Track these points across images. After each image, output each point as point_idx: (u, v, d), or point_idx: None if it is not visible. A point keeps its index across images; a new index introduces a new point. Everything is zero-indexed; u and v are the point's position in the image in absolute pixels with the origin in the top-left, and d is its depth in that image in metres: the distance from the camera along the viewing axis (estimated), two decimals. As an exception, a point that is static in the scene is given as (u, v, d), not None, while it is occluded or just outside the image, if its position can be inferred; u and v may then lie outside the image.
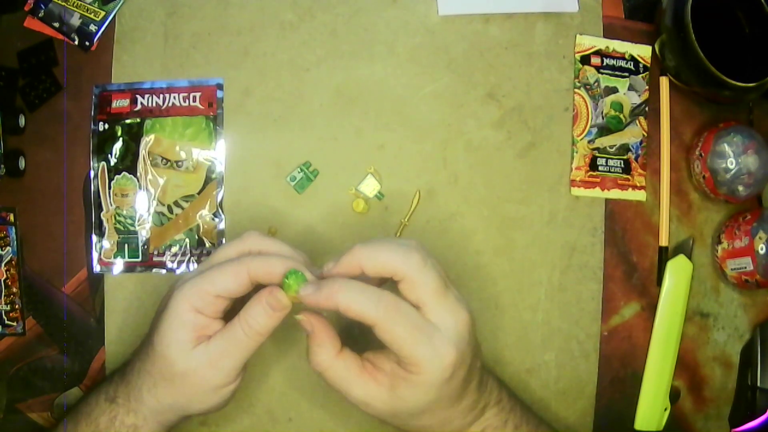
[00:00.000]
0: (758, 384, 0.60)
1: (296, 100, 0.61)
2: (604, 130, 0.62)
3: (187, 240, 0.60)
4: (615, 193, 0.62)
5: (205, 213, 0.60)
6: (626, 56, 0.63)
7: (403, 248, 0.44)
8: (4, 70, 0.61)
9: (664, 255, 0.62)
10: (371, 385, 0.45)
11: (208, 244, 0.60)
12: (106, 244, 0.60)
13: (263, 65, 0.61)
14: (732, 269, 0.61)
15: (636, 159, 0.62)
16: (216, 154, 0.61)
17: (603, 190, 0.62)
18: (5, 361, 0.60)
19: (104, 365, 0.60)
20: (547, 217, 0.61)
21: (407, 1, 0.62)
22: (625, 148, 0.62)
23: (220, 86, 0.61)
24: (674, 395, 0.62)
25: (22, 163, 0.61)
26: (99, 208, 0.60)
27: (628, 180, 0.62)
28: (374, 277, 0.45)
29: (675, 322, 0.61)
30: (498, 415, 0.49)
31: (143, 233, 0.60)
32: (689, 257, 0.62)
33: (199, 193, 0.60)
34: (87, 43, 0.61)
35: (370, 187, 0.61)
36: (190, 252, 0.60)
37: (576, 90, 0.62)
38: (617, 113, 0.62)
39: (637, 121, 0.63)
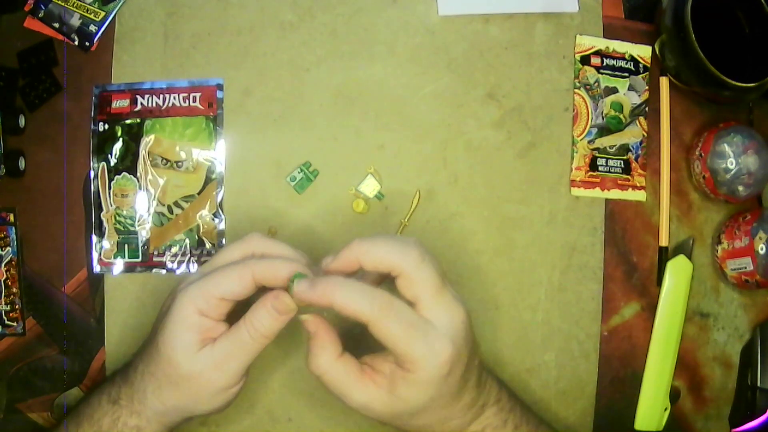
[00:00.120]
0: (758, 384, 0.60)
1: (296, 100, 0.61)
2: (604, 130, 0.62)
3: (187, 240, 0.60)
4: (615, 193, 0.62)
5: (205, 213, 0.60)
6: (626, 56, 0.63)
7: (402, 244, 0.44)
8: (4, 70, 0.61)
9: (664, 255, 0.62)
10: (371, 387, 0.45)
11: (208, 245, 0.60)
12: (106, 244, 0.60)
13: (263, 65, 0.61)
14: (732, 269, 0.61)
15: (636, 159, 0.62)
16: (216, 154, 0.61)
17: (603, 190, 0.62)
18: (5, 361, 0.60)
19: (104, 365, 0.60)
20: (547, 217, 0.61)
21: (407, 1, 0.62)
22: (625, 148, 0.62)
23: (220, 86, 0.61)
24: (674, 395, 0.62)
25: (22, 163, 0.61)
26: (99, 208, 0.60)
27: (628, 180, 0.62)
28: (372, 272, 0.45)
29: (675, 322, 0.61)
30: (497, 415, 0.49)
31: (143, 233, 0.60)
32: (689, 257, 0.62)
33: (199, 194, 0.60)
34: (87, 44, 0.61)
35: (370, 187, 0.61)
36: (190, 252, 0.60)
37: (576, 90, 0.62)
38: (617, 113, 0.62)
39: (637, 121, 0.63)
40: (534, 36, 0.62)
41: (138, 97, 0.61)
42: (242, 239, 0.48)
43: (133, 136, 0.61)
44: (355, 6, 0.62)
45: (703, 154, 0.60)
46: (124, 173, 0.60)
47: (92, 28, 0.61)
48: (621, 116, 0.62)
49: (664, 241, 0.62)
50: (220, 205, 0.60)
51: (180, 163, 0.61)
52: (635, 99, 0.63)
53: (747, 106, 0.64)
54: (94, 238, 0.60)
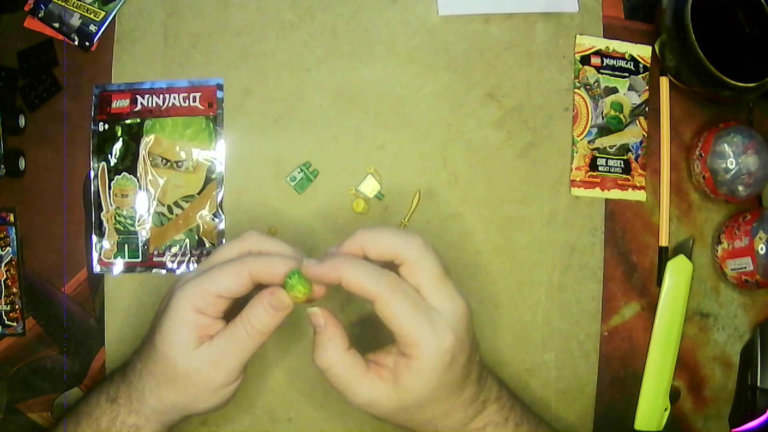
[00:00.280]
0: (758, 384, 0.60)
1: (296, 100, 0.61)
2: (604, 130, 0.62)
3: (187, 240, 0.60)
4: (615, 193, 0.62)
5: (205, 213, 0.60)
6: (626, 56, 0.63)
7: (405, 233, 0.45)
8: (4, 70, 0.61)
9: (664, 255, 0.62)
10: (377, 382, 0.45)
11: (208, 245, 0.60)
12: (106, 244, 0.60)
13: (263, 65, 0.61)
14: (732, 269, 0.61)
15: (636, 159, 0.62)
16: (216, 154, 0.61)
17: (603, 190, 0.62)
18: (5, 361, 0.60)
19: (104, 365, 0.60)
20: (547, 217, 0.61)
21: (407, 1, 0.62)
22: (625, 148, 0.62)
23: (220, 86, 0.61)
24: (674, 395, 0.62)
25: (22, 163, 0.61)
26: (99, 208, 0.60)
27: (628, 180, 0.62)
28: (377, 260, 0.45)
29: (675, 322, 0.61)
30: (499, 412, 0.49)
31: (143, 233, 0.60)
32: (689, 257, 0.62)
33: (199, 194, 0.60)
34: (87, 44, 0.61)
35: (370, 187, 0.61)
36: (190, 252, 0.60)
37: (576, 90, 0.62)
38: (617, 113, 0.62)
39: (637, 121, 0.63)
40: (534, 36, 0.62)
41: (138, 97, 0.61)
42: (239, 237, 0.49)
43: (133, 136, 0.61)
44: (355, 6, 0.62)
45: (703, 154, 0.60)
46: (124, 173, 0.60)
47: (92, 28, 0.61)
48: (621, 116, 0.62)
49: (664, 241, 0.62)
50: (220, 205, 0.60)
51: (180, 163, 0.61)
52: (635, 99, 0.63)
53: (747, 106, 0.64)
54: (94, 238, 0.60)
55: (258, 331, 0.45)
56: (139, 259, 0.60)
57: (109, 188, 0.60)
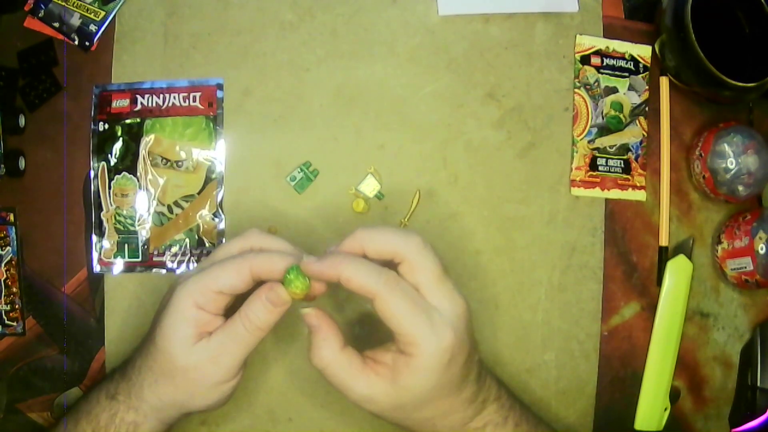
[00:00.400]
0: (758, 384, 0.60)
1: (296, 100, 0.61)
2: (604, 130, 0.62)
3: (187, 240, 0.60)
4: (615, 193, 0.62)
5: (205, 213, 0.60)
6: (626, 56, 0.63)
7: (404, 232, 0.45)
8: (4, 70, 0.61)
9: (664, 255, 0.62)
10: (374, 379, 0.45)
11: (208, 244, 0.60)
12: (106, 244, 0.60)
13: (263, 65, 0.61)
14: (732, 269, 0.61)
15: (636, 159, 0.62)
16: (216, 154, 0.61)
17: (603, 190, 0.62)
18: (5, 361, 0.60)
19: (104, 365, 0.60)
20: (547, 217, 0.61)
21: (407, 1, 0.62)
22: (625, 148, 0.62)
23: (220, 86, 0.61)
24: (674, 395, 0.62)
25: (22, 163, 0.61)
26: (99, 208, 0.60)
27: (628, 180, 0.62)
28: (376, 259, 0.45)
29: (675, 322, 0.61)
30: (498, 412, 0.49)
31: (143, 233, 0.60)
32: (689, 257, 0.62)
33: (199, 193, 0.60)
34: (87, 43, 0.61)
35: (370, 187, 0.61)
36: (190, 252, 0.60)
37: (576, 90, 0.62)
38: (617, 113, 0.62)
39: (637, 121, 0.63)
40: (534, 36, 0.62)
41: (138, 96, 0.61)
42: (241, 235, 0.49)
43: (133, 136, 0.61)
44: (355, 6, 0.62)
45: (703, 154, 0.60)
46: (124, 173, 0.60)
47: (92, 27, 0.61)
48: (621, 116, 0.62)
49: (664, 241, 0.62)
50: (220, 204, 0.60)
51: (180, 163, 0.61)
52: (635, 99, 0.63)
53: (747, 106, 0.64)
54: (94, 238, 0.60)
55: (256, 327, 0.45)
56: (139, 259, 0.60)
57: (109, 188, 0.60)
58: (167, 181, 0.60)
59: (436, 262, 0.45)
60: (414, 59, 0.62)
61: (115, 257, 0.60)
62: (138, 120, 0.61)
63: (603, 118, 0.62)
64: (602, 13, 0.63)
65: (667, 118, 0.63)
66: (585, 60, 0.62)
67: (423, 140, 0.61)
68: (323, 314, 0.46)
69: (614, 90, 0.63)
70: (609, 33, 0.63)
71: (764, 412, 0.58)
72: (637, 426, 0.61)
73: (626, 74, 0.63)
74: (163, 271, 0.60)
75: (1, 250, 0.60)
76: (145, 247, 0.60)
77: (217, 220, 0.60)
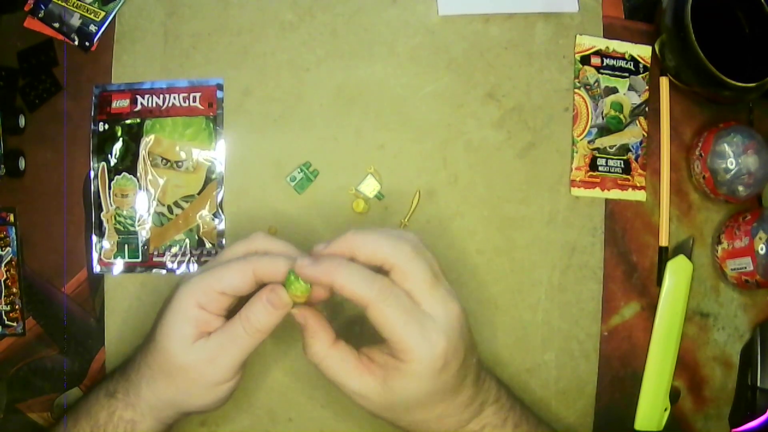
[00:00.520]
0: (758, 384, 0.60)
1: (296, 100, 0.61)
2: (604, 130, 0.62)
3: (187, 240, 0.60)
4: (615, 193, 0.62)
5: (205, 213, 0.60)
6: (626, 56, 0.63)
7: (394, 239, 0.44)
8: (4, 70, 0.61)
9: (664, 255, 0.62)
10: (366, 376, 0.45)
11: (208, 245, 0.60)
12: (106, 244, 0.60)
13: (263, 65, 0.61)
14: (732, 269, 0.61)
15: (636, 159, 0.62)
16: (216, 154, 0.61)
17: (603, 190, 0.62)
18: (5, 361, 0.60)
19: (104, 365, 0.60)
20: (547, 217, 0.61)
21: (407, 1, 0.62)
22: (625, 148, 0.62)
23: (220, 86, 0.61)
24: (674, 395, 0.62)
25: (22, 163, 0.61)
26: (99, 208, 0.60)
27: (628, 180, 0.62)
28: (365, 264, 0.45)
29: (675, 322, 0.61)
30: (497, 413, 0.49)
31: (143, 233, 0.60)
32: (689, 257, 0.62)
33: (199, 194, 0.60)
34: (87, 44, 0.61)
35: (370, 187, 0.61)
36: (190, 252, 0.60)
37: (576, 90, 0.62)
38: (617, 113, 0.62)
39: (637, 121, 0.63)
40: (534, 36, 0.62)
41: (138, 97, 0.61)
42: (247, 238, 0.49)
43: (133, 136, 0.61)
44: (355, 6, 0.62)
45: (703, 154, 0.60)
46: (124, 173, 0.60)
47: (92, 28, 0.61)
48: (621, 116, 0.62)
49: (664, 241, 0.62)
50: (220, 205, 0.60)
51: (180, 163, 0.61)
52: (635, 99, 0.63)
53: (747, 106, 0.64)
54: (94, 238, 0.60)
55: (255, 329, 0.45)
56: (139, 259, 0.60)
57: (109, 188, 0.60)
58: (167, 181, 0.60)
59: (427, 269, 0.44)
60: (414, 59, 0.62)
61: (115, 257, 0.60)
62: (138, 120, 0.61)
63: (603, 118, 0.62)
64: (602, 13, 0.63)
65: (667, 118, 0.63)
66: (585, 60, 0.62)
67: (423, 140, 0.61)
68: (311, 312, 0.46)
69: (614, 90, 0.63)
70: (609, 33, 0.63)
71: (764, 412, 0.59)
72: (637, 426, 0.61)
73: (626, 74, 0.63)
74: (163, 271, 0.60)
75: (1, 250, 0.60)
76: (145, 247, 0.60)
77: (217, 220, 0.60)
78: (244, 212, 0.60)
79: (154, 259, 0.60)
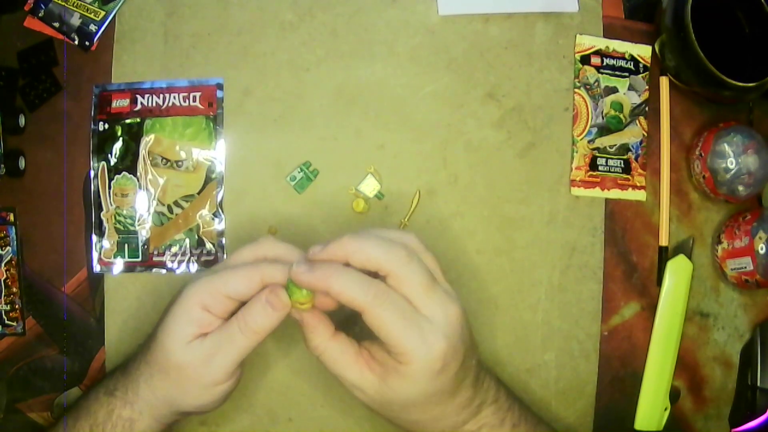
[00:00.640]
0: (758, 384, 0.60)
1: (296, 100, 0.61)
2: (604, 130, 0.62)
3: (187, 240, 0.60)
4: (615, 193, 0.62)
5: (205, 213, 0.60)
6: (626, 56, 0.63)
7: (389, 244, 0.44)
8: (4, 70, 0.61)
9: (664, 255, 0.62)
10: (365, 371, 0.45)
11: (208, 244, 0.60)
12: (106, 244, 0.60)
13: (263, 65, 0.61)
14: (732, 269, 0.61)
15: (636, 159, 0.62)
16: (216, 154, 0.61)
17: (603, 190, 0.62)
18: (5, 361, 0.60)
19: (104, 365, 0.60)
20: (547, 217, 0.61)
21: (407, 1, 0.62)
22: (625, 148, 0.62)
23: (220, 86, 0.61)
24: (674, 395, 0.62)
25: (22, 163, 0.61)
26: (99, 208, 0.60)
27: (628, 180, 0.62)
28: (360, 269, 0.45)
29: (675, 322, 0.61)
30: (495, 414, 0.49)
31: (143, 233, 0.60)
32: (689, 257, 0.62)
33: (199, 193, 0.60)
34: (87, 43, 0.61)
35: (370, 187, 0.61)
36: (190, 252, 0.60)
37: (576, 90, 0.62)
38: (617, 113, 0.62)
39: (637, 121, 0.63)
40: (534, 36, 0.62)
41: (138, 96, 0.61)
42: (255, 242, 0.49)
43: (133, 136, 0.61)
44: (355, 6, 0.62)
45: (703, 154, 0.60)
46: (124, 173, 0.60)
47: (92, 27, 0.61)
48: (621, 116, 0.62)
49: (664, 241, 0.62)
50: (220, 204, 0.60)
51: (180, 163, 0.61)
52: (635, 99, 0.63)
53: (747, 106, 0.64)
54: (94, 238, 0.60)
55: (252, 330, 0.45)
56: (139, 259, 0.60)
57: (109, 188, 0.60)
58: (167, 181, 0.60)
59: (423, 273, 0.44)
60: (414, 59, 0.62)
61: (115, 257, 0.60)
62: (138, 120, 0.61)
63: (603, 118, 0.62)
64: (602, 13, 0.63)
65: (667, 118, 0.63)
66: (585, 60, 0.62)
67: (423, 140, 0.61)
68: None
69: (614, 90, 0.63)
70: (609, 33, 0.63)
71: (764, 412, 0.58)
72: (637, 426, 0.61)
73: (626, 74, 0.63)
74: (163, 271, 0.60)
75: (1, 250, 0.60)
76: (145, 247, 0.60)
77: (217, 220, 0.60)
78: (244, 212, 0.60)
79: (154, 258, 0.60)
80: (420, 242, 0.47)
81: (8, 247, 0.60)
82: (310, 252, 0.45)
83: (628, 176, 0.62)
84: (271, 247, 0.48)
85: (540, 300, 0.61)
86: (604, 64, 0.63)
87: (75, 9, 0.61)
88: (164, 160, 0.60)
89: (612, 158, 0.62)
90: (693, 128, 0.64)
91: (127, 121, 0.61)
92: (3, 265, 0.60)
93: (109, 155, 0.61)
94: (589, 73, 0.62)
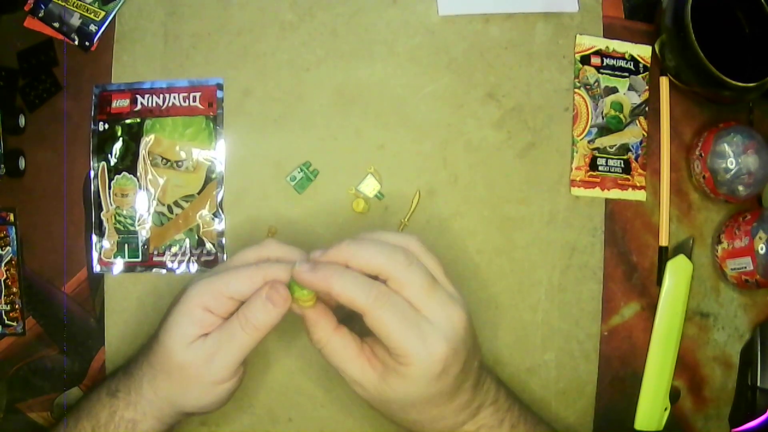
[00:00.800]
0: (758, 384, 0.60)
1: (296, 100, 0.61)
2: (604, 130, 0.62)
3: (187, 240, 0.60)
4: (615, 193, 0.62)
5: (205, 213, 0.60)
6: (626, 56, 0.63)
7: (388, 249, 0.44)
8: (4, 70, 0.61)
9: (664, 255, 0.62)
10: (366, 367, 0.45)
11: (208, 244, 0.60)
12: (106, 244, 0.60)
13: (263, 65, 0.61)
14: (732, 269, 0.61)
15: (636, 159, 0.62)
16: (216, 154, 0.61)
17: (603, 190, 0.62)
18: (5, 361, 0.60)
19: (104, 365, 0.60)
20: (547, 217, 0.61)
21: (407, 1, 0.62)
22: (625, 148, 0.62)
23: (220, 86, 0.61)
24: (674, 395, 0.62)
25: (22, 163, 0.61)
26: (99, 208, 0.60)
27: (628, 180, 0.62)
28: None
29: (675, 322, 0.61)
30: (494, 415, 0.49)
31: (143, 233, 0.60)
32: (689, 257, 0.62)
33: (199, 193, 0.60)
34: (87, 43, 0.61)
35: (370, 187, 0.61)
36: (190, 252, 0.60)
37: (576, 90, 0.62)
38: (617, 113, 0.62)
39: (637, 121, 0.63)
40: (534, 36, 0.62)
41: (138, 96, 0.61)
42: (258, 244, 0.49)
43: (133, 136, 0.61)
44: (355, 6, 0.62)
45: (703, 154, 0.60)
46: (124, 173, 0.60)
47: (92, 27, 0.61)
48: (621, 116, 0.62)
49: (664, 241, 0.62)
50: (220, 204, 0.60)
51: (180, 163, 0.61)
52: (635, 99, 0.63)
53: (747, 106, 0.64)
54: (94, 238, 0.60)
55: (253, 326, 0.45)
56: (139, 259, 0.60)
57: (109, 188, 0.60)
58: (167, 181, 0.60)
59: (424, 276, 0.44)
60: (414, 59, 0.62)
61: (115, 257, 0.60)
62: (138, 120, 0.61)
63: (603, 118, 0.62)
64: (602, 13, 0.63)
65: (667, 118, 0.63)
66: (585, 60, 0.62)
67: (423, 140, 0.61)
68: None
69: (614, 90, 0.63)
70: (609, 33, 0.63)
71: (764, 412, 0.58)
72: (637, 426, 0.61)
73: (626, 74, 0.63)
74: (163, 271, 0.60)
75: (1, 250, 0.60)
76: (145, 247, 0.60)
77: (217, 220, 0.60)
78: (244, 212, 0.60)
79: (154, 258, 0.60)
80: (422, 244, 0.47)
81: (8, 247, 0.60)
82: (311, 257, 0.46)
83: (628, 176, 0.62)
84: (274, 249, 0.48)
85: (540, 300, 0.61)
86: (604, 64, 0.63)
87: (75, 9, 0.61)
88: (164, 160, 0.60)
89: (612, 158, 0.62)
90: (693, 128, 0.64)
91: (127, 121, 0.61)
92: (3, 265, 0.60)
93: (109, 155, 0.61)
94: (589, 73, 0.62)
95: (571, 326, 0.61)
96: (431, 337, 0.43)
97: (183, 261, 0.60)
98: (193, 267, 0.60)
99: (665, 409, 0.61)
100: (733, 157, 0.58)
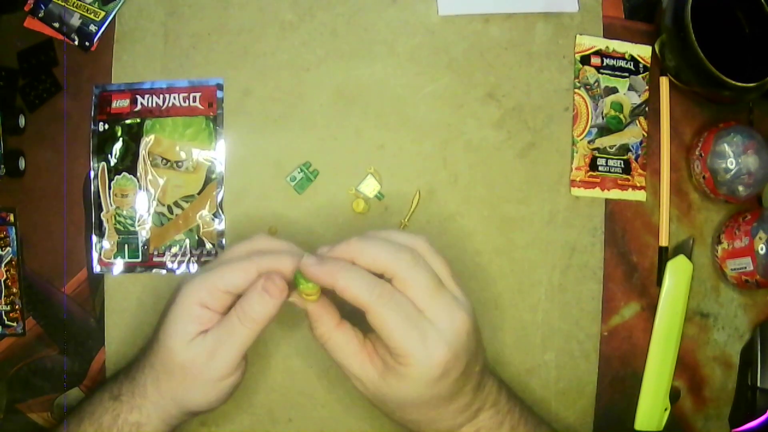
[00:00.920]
0: (758, 384, 0.60)
1: (296, 100, 0.61)
2: (604, 130, 0.62)
3: (187, 240, 0.60)
4: (615, 193, 0.62)
5: (205, 213, 0.60)
6: (626, 56, 0.63)
7: (395, 247, 0.44)
8: (4, 70, 0.61)
9: (664, 255, 0.62)
10: (367, 363, 0.45)
11: (208, 245, 0.60)
12: (106, 244, 0.60)
13: (263, 65, 0.61)
14: (732, 269, 0.61)
15: (636, 159, 0.62)
16: (216, 154, 0.61)
17: (603, 190, 0.62)
18: (5, 361, 0.60)
19: (104, 365, 0.60)
20: (547, 217, 0.61)
21: (407, 1, 0.62)
22: (625, 148, 0.62)
23: (220, 86, 0.61)
24: (674, 395, 0.62)
25: (22, 163, 0.61)
26: (99, 208, 0.60)
27: (628, 180, 0.62)
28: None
29: (675, 322, 0.61)
30: (494, 418, 0.49)
31: (143, 233, 0.60)
32: (689, 257, 0.62)
33: (199, 194, 0.60)
34: (87, 43, 0.61)
35: (370, 187, 0.61)
36: (190, 252, 0.60)
37: (576, 90, 0.62)
38: (617, 113, 0.62)
39: (637, 121, 0.63)
40: (534, 36, 0.62)
41: (138, 97, 0.61)
42: (248, 239, 0.49)
43: (133, 136, 0.61)
44: (355, 6, 0.62)
45: (703, 154, 0.60)
46: (124, 173, 0.60)
47: (92, 28, 0.61)
48: (621, 116, 0.62)
49: (664, 241, 0.62)
50: (220, 205, 0.60)
51: (180, 163, 0.61)
52: (635, 99, 0.63)
53: (747, 106, 0.64)
54: (94, 238, 0.60)
55: (251, 319, 0.45)
56: (139, 259, 0.60)
57: (109, 188, 0.60)
58: (167, 181, 0.60)
59: (429, 277, 0.44)
60: (414, 59, 0.62)
61: (115, 257, 0.60)
62: (138, 120, 0.61)
63: (603, 118, 0.62)
64: (602, 13, 0.63)
65: (667, 118, 0.63)
66: (585, 60, 0.62)
67: (423, 140, 0.61)
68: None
69: (614, 90, 0.63)
70: (609, 33, 0.63)
71: (764, 412, 0.58)
72: (637, 426, 0.61)
73: (626, 74, 0.63)
74: (163, 271, 0.60)
75: (1, 250, 0.60)
76: (145, 247, 0.60)
77: (217, 220, 0.60)
78: (244, 212, 0.60)
79: (154, 259, 0.60)
80: (430, 245, 0.47)
81: (8, 248, 0.60)
82: (318, 252, 0.46)
83: (628, 176, 0.62)
84: (265, 242, 0.48)
85: (540, 300, 0.61)
86: (604, 64, 0.63)
87: (75, 9, 0.61)
88: (164, 161, 0.60)
89: (612, 158, 0.62)
90: (693, 128, 0.64)
91: (127, 121, 0.61)
92: (3, 265, 0.60)
93: (109, 155, 0.61)
94: (589, 74, 0.62)
95: (571, 326, 0.61)
96: (432, 340, 0.43)
97: (183, 261, 0.60)
98: (193, 267, 0.60)
99: (665, 410, 0.61)
100: (733, 157, 0.58)
